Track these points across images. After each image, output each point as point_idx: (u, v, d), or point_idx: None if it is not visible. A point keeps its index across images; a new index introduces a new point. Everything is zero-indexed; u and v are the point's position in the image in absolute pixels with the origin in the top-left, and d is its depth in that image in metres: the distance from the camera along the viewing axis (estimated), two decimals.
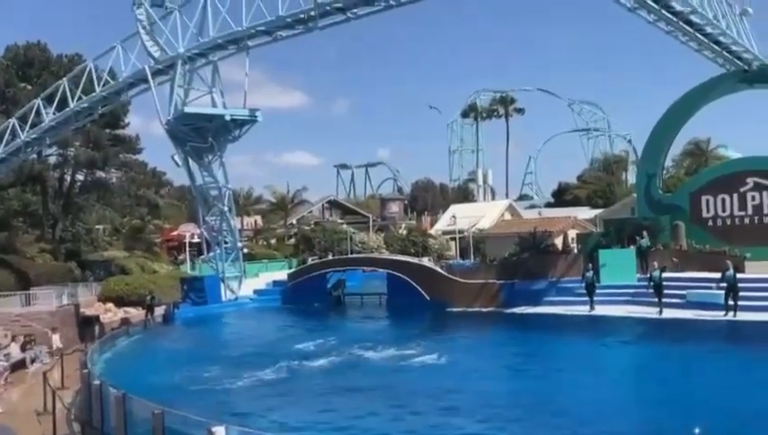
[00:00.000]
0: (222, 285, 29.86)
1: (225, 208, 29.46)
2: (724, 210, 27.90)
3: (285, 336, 21.97)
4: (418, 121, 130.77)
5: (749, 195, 27.32)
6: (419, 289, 25.95)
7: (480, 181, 77.37)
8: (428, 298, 25.62)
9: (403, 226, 57.74)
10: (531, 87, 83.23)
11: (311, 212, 64.56)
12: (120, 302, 27.75)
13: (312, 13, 23.45)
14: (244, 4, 24.77)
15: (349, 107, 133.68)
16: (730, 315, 19.13)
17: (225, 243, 30.32)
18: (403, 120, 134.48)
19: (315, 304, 28.11)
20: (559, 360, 16.39)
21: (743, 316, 18.94)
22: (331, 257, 34.85)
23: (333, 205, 69.09)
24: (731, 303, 19.23)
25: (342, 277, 30.30)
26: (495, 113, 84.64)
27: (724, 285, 19.49)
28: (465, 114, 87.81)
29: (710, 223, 28.04)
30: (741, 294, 19.51)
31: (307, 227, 51.09)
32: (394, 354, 17.13)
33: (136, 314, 26.13)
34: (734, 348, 16.71)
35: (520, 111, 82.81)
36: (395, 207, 67.20)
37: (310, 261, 35.73)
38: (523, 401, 12.19)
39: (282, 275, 32.96)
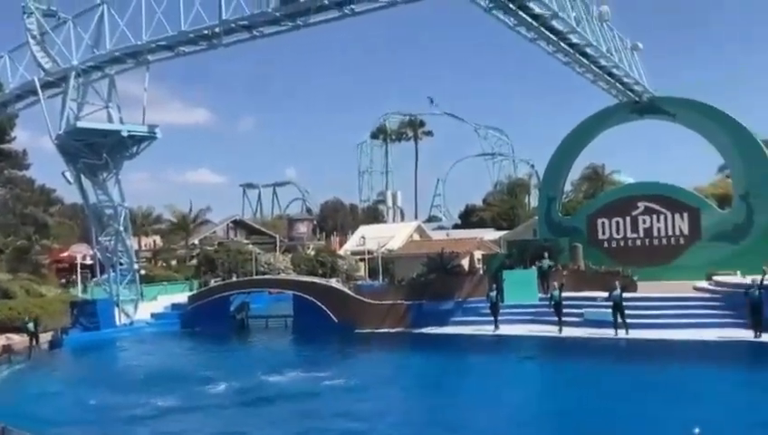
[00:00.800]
0: (116, 308, 28.60)
1: (121, 228, 28.34)
2: (618, 232, 29.89)
3: (184, 362, 21.28)
4: (328, 141, 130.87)
5: (640, 218, 29.44)
6: (327, 311, 25.92)
7: (389, 202, 78.49)
8: (336, 320, 25.64)
9: (311, 246, 57.49)
10: (439, 111, 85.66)
11: (214, 232, 63.01)
12: (3, 328, 25.90)
13: (217, 29, 23.14)
14: (144, 16, 24.12)
15: (255, 125, 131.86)
16: (621, 333, 20.46)
17: (121, 264, 29.17)
18: (312, 140, 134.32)
19: (217, 327, 27.38)
20: (463, 378, 16.90)
21: (635, 334, 20.28)
22: (234, 279, 34.14)
23: (238, 225, 67.75)
24: (620, 321, 20.57)
25: (246, 300, 29.76)
26: (405, 135, 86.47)
27: (611, 303, 20.84)
28: (374, 136, 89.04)
29: (605, 244, 29.93)
30: (635, 312, 20.99)
31: (210, 248, 49.77)
32: (300, 378, 17.00)
33: (20, 340, 24.48)
34: (623, 364, 17.84)
35: (429, 133, 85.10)
36: (303, 228, 66.82)
37: (212, 283, 34.86)
38: (421, 418, 12.69)
39: (182, 297, 31.93)
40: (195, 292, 32.54)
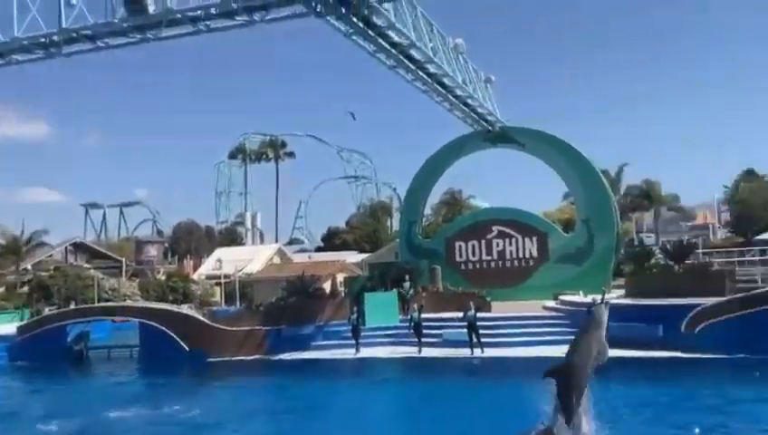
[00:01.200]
0: None
1: None
2: (474, 255, 31.26)
3: (10, 399, 18.97)
4: (182, 160, 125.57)
5: (494, 241, 31.03)
6: (177, 339, 24.41)
7: (248, 224, 76.51)
8: (187, 348, 24.20)
9: (162, 270, 54.43)
10: (301, 132, 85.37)
11: (51, 256, 57.68)
12: None
13: (56, 38, 21.30)
14: None
15: (101, 140, 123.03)
16: (477, 352, 21.22)
17: None
18: (164, 158, 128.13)
19: (51, 361, 24.80)
20: (322, 404, 16.52)
21: (490, 352, 21.12)
22: (72, 307, 31.29)
23: (79, 248, 62.53)
24: (475, 340, 21.34)
25: (86, 329, 27.30)
26: (265, 156, 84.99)
27: (465, 323, 21.60)
28: (232, 156, 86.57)
29: (462, 266, 31.16)
30: (489, 332, 21.92)
31: (45, 273, 45.39)
32: (145, 413, 15.72)
33: None
34: (478, 381, 18.49)
35: (290, 154, 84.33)
36: (153, 251, 63.18)
37: (46, 311, 31.70)
38: None
39: (10, 328, 28.67)
40: (26, 322, 29.39)
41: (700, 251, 29.93)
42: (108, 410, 15.81)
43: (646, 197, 55.44)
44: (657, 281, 22.68)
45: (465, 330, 21.59)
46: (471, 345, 21.34)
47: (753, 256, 33.37)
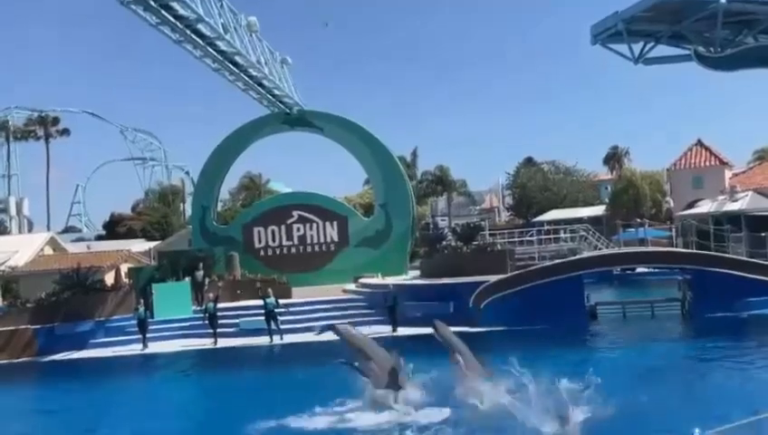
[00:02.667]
0: None
1: None
2: (274, 241, 31.25)
3: None
4: None
5: (294, 226, 31.28)
6: None
7: (13, 211, 68.35)
8: None
9: None
10: (76, 109, 78.22)
11: None
12: None
13: None
14: None
15: None
16: (276, 339, 21.34)
17: None
18: None
19: None
20: (98, 402, 15.50)
21: (289, 339, 21.34)
22: None
23: None
24: (274, 327, 21.47)
25: None
26: (33, 134, 76.52)
27: (263, 311, 21.64)
28: None
29: (262, 253, 31.00)
30: (289, 318, 22.16)
31: None
32: None
33: None
34: (276, 368, 18.65)
35: (65, 132, 76.84)
36: None
37: None
38: None
39: None
40: None
41: (486, 232, 32.82)
42: None
43: (439, 182, 59.62)
44: (448, 261, 24.54)
45: (263, 318, 21.55)
46: (270, 333, 21.37)
47: (532, 236, 37.52)
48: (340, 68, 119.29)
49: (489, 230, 37.64)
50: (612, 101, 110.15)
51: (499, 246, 26.52)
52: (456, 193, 63.62)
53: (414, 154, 61.22)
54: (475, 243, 25.64)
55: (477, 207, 71.95)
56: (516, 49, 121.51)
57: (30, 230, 64.03)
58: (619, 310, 23.43)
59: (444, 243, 26.93)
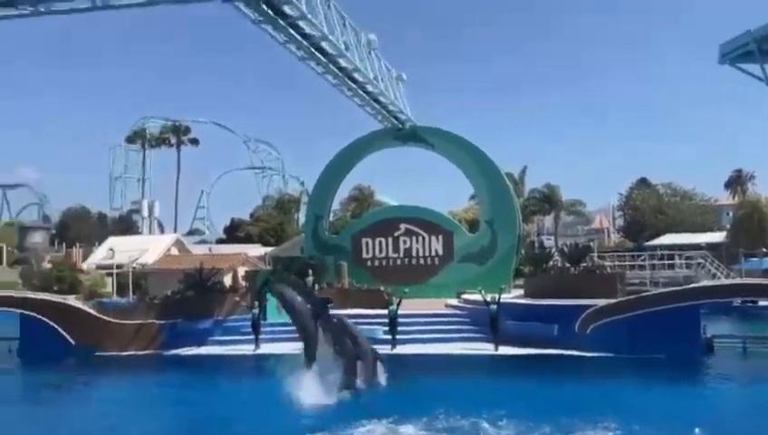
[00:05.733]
0: None
1: None
2: (381, 252, 31.56)
3: None
4: (74, 142, 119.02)
5: (401, 239, 31.46)
6: (62, 332, 23.10)
7: (145, 213, 73.52)
8: (73, 342, 22.97)
9: (47, 259, 51.31)
10: (205, 119, 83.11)
11: None
12: None
13: None
14: None
15: None
16: (387, 349, 21.29)
17: None
18: (54, 139, 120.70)
19: None
20: (213, 401, 16.13)
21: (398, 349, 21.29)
22: None
23: None
24: (391, 336, 21.34)
25: None
26: (167, 142, 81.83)
27: (386, 319, 21.60)
28: (130, 140, 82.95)
29: (369, 263, 31.38)
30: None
31: None
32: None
33: None
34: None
35: (194, 141, 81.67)
36: (38, 238, 59.54)
37: None
38: None
39: None
40: None
41: (595, 254, 31.59)
42: None
43: (547, 200, 58.03)
44: (554, 282, 23.75)
45: (375, 327, 21.59)
46: (394, 341, 21.25)
47: (644, 260, 35.68)
48: (453, 85, 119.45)
49: (598, 252, 36.22)
50: (737, 122, 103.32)
51: (609, 269, 25.41)
52: (565, 212, 61.70)
53: (522, 171, 60.00)
54: (583, 264, 24.69)
55: (585, 228, 69.48)
56: (636, 67, 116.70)
57: (161, 232, 68.41)
58: (740, 344, 21.71)
59: (550, 263, 26.14)
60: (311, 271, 26.25)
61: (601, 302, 20.91)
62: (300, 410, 13.73)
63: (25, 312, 23.93)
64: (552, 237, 57.89)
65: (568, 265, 24.67)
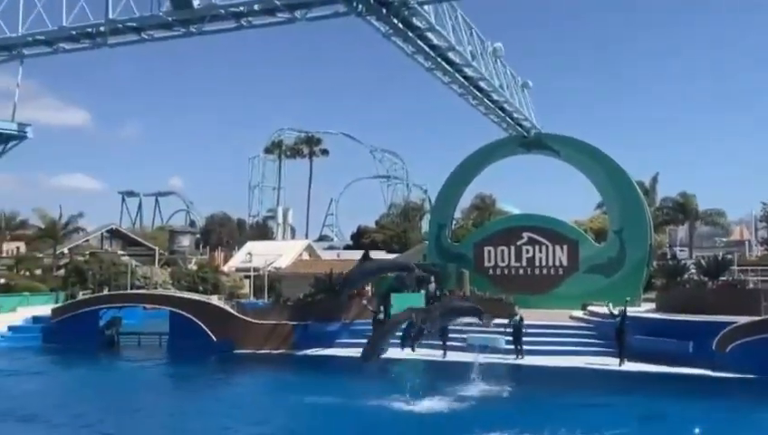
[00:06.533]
0: None
1: None
2: (503, 260, 31.04)
3: (44, 383, 19.54)
4: (216, 153, 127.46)
5: (524, 248, 30.76)
6: (205, 329, 24.83)
7: (280, 219, 77.12)
8: (215, 339, 24.61)
9: (194, 261, 55.26)
10: (335, 130, 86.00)
11: (87, 241, 59.05)
12: None
13: (102, 28, 21.94)
14: (21, 7, 22.59)
15: (140, 131, 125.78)
16: (510, 358, 21.02)
17: None
18: (200, 150, 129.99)
19: (83, 344, 25.37)
20: (342, 401, 16.55)
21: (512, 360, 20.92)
22: (106, 292, 32.04)
23: (115, 234, 63.93)
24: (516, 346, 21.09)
25: (118, 315, 27.91)
26: (300, 153, 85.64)
27: (510, 329, 21.38)
28: (268, 150, 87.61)
29: (491, 272, 30.97)
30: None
31: (81, 258, 46.52)
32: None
33: None
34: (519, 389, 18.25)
35: (325, 152, 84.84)
36: (186, 241, 64.10)
37: (80, 295, 32.52)
38: None
39: (45, 310, 29.48)
40: (60, 304, 30.19)
41: (735, 268, 29.20)
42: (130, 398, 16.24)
43: (681, 210, 54.32)
44: (689, 296, 22.25)
45: (497, 336, 21.34)
46: (517, 351, 21.15)
47: None
48: (580, 91, 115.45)
49: (738, 265, 33.43)
50: None
51: (751, 284, 23.42)
52: (701, 222, 57.41)
53: (654, 179, 56.62)
54: (722, 278, 22.95)
55: (724, 239, 64.37)
56: None
57: (293, 237, 71.47)
58: None
59: (685, 276, 24.52)
60: (432, 278, 26.31)
61: (743, 319, 19.32)
62: (420, 416, 13.80)
63: (174, 309, 25.98)
64: (687, 249, 54.05)
65: (706, 278, 23.05)
